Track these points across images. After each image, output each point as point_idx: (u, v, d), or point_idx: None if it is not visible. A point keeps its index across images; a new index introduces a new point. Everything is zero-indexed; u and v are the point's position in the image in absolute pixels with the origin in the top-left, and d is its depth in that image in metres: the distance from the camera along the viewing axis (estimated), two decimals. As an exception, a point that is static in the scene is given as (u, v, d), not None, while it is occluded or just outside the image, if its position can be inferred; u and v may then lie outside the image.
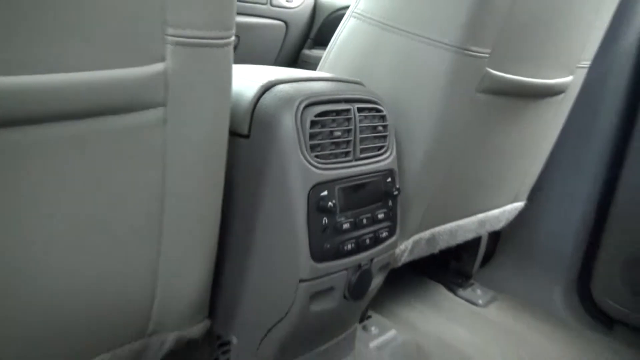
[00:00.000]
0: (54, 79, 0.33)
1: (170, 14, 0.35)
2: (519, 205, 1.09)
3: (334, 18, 1.51)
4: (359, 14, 0.72)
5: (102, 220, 0.41)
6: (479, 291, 1.20)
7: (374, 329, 0.89)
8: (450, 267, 1.26)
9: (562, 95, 0.90)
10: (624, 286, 1.11)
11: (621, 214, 1.10)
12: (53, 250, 0.39)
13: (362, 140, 0.59)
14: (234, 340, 0.63)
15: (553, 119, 0.96)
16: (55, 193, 0.37)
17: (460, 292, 1.19)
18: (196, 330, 0.55)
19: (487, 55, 0.65)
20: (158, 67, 0.36)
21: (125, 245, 0.44)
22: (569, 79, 0.88)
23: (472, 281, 1.23)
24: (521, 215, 1.12)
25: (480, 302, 1.16)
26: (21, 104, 0.32)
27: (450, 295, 1.18)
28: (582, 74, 0.93)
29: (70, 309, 0.43)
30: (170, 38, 0.36)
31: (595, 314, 1.16)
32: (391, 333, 0.89)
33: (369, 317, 0.94)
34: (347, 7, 0.76)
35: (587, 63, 0.92)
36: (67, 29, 0.32)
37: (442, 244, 0.92)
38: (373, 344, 0.84)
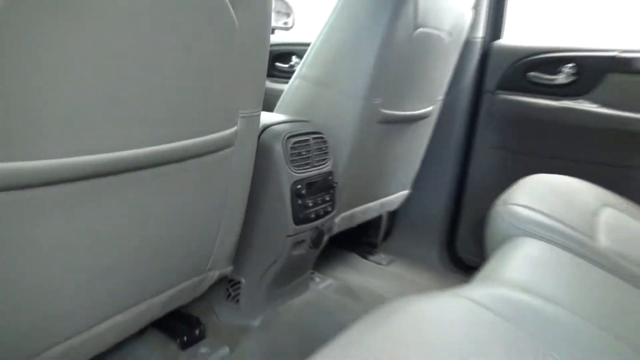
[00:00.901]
0: (187, 143, 0.70)
1: (241, 106, 0.75)
2: (406, 192, 1.59)
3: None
4: (302, 76, 1.15)
5: (194, 212, 0.78)
6: (382, 255, 1.68)
7: (317, 279, 1.32)
8: (362, 241, 1.73)
9: (427, 119, 1.41)
10: (475, 244, 1.65)
11: (470, 194, 1.65)
12: (170, 226, 0.75)
13: (315, 155, 1.02)
14: (243, 280, 1.02)
15: (424, 133, 1.47)
16: (167, 203, 0.72)
17: (370, 257, 1.66)
18: (227, 270, 0.94)
19: (381, 102, 1.12)
20: (235, 128, 0.76)
21: (205, 222, 0.82)
22: (431, 108, 1.39)
23: (377, 249, 1.72)
24: (408, 198, 1.62)
25: (383, 262, 1.64)
26: (160, 158, 0.66)
27: (363, 260, 1.64)
28: (439, 104, 1.45)
29: (172, 255, 0.80)
30: (240, 114, 0.76)
31: (458, 264, 1.70)
32: (329, 280, 1.34)
33: (313, 273, 1.37)
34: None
35: (441, 97, 1.44)
36: (205, 118, 0.70)
37: (358, 220, 1.38)
38: (319, 286, 1.28)
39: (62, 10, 0.47)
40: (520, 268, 0.79)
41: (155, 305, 0.80)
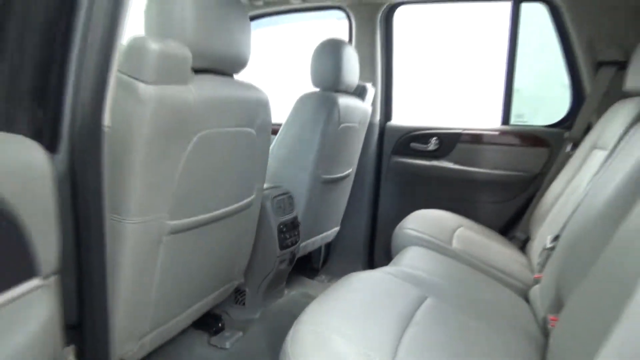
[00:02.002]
0: (237, 205, 1.30)
1: (255, 183, 1.38)
2: (337, 228, 2.26)
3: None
4: (273, 157, 1.80)
5: (233, 244, 1.37)
6: (323, 276, 2.32)
7: (286, 290, 1.93)
8: (307, 267, 2.35)
9: (349, 177, 2.11)
10: (386, 258, 2.35)
11: (380, 225, 2.37)
12: (222, 252, 1.34)
13: (287, 207, 1.66)
14: (247, 289, 1.61)
15: (348, 186, 2.16)
16: (226, 238, 1.31)
17: (315, 278, 2.29)
18: (241, 280, 1.52)
19: (321, 171, 1.79)
20: (253, 196, 1.37)
21: (236, 250, 1.41)
22: (350, 170, 2.09)
23: (319, 273, 2.35)
24: (338, 233, 2.29)
25: (325, 281, 2.27)
26: (227, 213, 1.27)
27: (310, 280, 2.27)
28: (355, 166, 2.16)
29: (219, 270, 1.38)
30: (255, 188, 1.39)
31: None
32: (293, 291, 1.95)
33: (284, 287, 1.97)
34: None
35: (356, 161, 2.16)
36: (244, 193, 1.31)
37: (309, 249, 2.01)
38: (290, 293, 1.89)
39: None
40: (409, 260, 1.47)
41: (210, 300, 1.37)
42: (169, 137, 0.98)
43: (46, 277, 0.56)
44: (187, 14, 1.02)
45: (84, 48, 0.70)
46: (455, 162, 2.21)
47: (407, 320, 1.05)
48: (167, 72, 0.95)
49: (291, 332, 0.92)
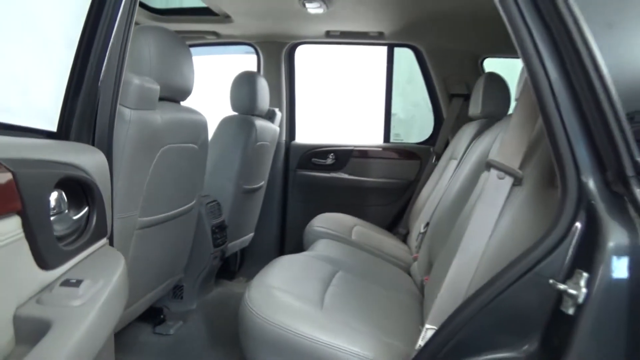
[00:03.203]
0: (184, 207, 1.59)
1: (196, 192, 1.67)
2: (252, 234, 2.58)
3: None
4: (199, 170, 2.09)
5: (181, 241, 1.65)
6: (240, 278, 2.61)
7: (214, 288, 2.20)
8: (226, 271, 2.63)
9: (262, 188, 2.45)
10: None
11: (288, 229, 2.74)
12: (171, 247, 1.60)
13: (217, 212, 1.96)
14: (185, 284, 1.87)
15: (261, 196, 2.50)
16: (174, 236, 1.59)
17: (233, 280, 2.58)
18: (182, 275, 1.78)
19: (243, 182, 2.12)
20: (194, 201, 1.67)
21: (181, 247, 1.68)
22: (263, 182, 2.44)
23: (236, 275, 2.64)
24: (253, 238, 2.60)
25: (243, 280, 2.57)
26: (178, 214, 1.56)
27: (230, 282, 2.54)
28: (267, 179, 2.52)
29: (169, 264, 1.63)
30: (196, 195, 1.68)
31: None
32: (220, 288, 2.22)
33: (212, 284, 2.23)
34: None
35: (267, 175, 2.52)
36: (189, 198, 1.59)
37: (231, 251, 2.31)
38: (217, 289, 2.16)
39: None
40: (321, 248, 1.86)
41: (157, 292, 1.62)
42: (144, 151, 1.26)
43: (108, 238, 0.85)
44: (152, 54, 1.32)
45: (104, 87, 0.98)
46: (350, 174, 2.68)
47: (327, 283, 1.44)
48: (144, 100, 1.24)
49: (246, 293, 1.24)
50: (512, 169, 1.02)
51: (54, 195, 0.62)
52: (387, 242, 2.28)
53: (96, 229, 0.74)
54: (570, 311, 0.82)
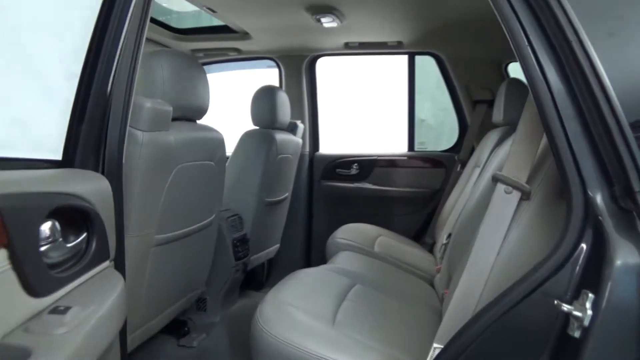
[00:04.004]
0: (202, 223, 1.63)
1: (214, 208, 1.71)
2: (278, 245, 2.61)
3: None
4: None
5: (200, 256, 1.68)
6: (267, 288, 2.63)
7: (239, 300, 2.23)
8: (254, 282, 2.66)
9: (286, 200, 2.47)
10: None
11: (314, 240, 2.74)
12: (192, 262, 1.64)
13: (238, 225, 1.99)
14: (208, 297, 1.91)
15: (285, 208, 2.52)
16: (195, 251, 1.62)
17: (261, 290, 2.60)
18: (204, 289, 1.82)
19: (265, 194, 2.15)
20: (213, 216, 1.70)
21: (201, 261, 1.72)
22: (287, 194, 2.46)
23: (263, 285, 2.66)
24: (279, 250, 2.62)
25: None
26: (197, 229, 1.59)
27: (257, 292, 2.57)
28: (291, 190, 2.54)
29: (190, 278, 1.67)
30: (214, 211, 1.72)
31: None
32: (245, 299, 2.25)
33: (237, 296, 2.27)
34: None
35: (291, 186, 2.54)
36: (207, 214, 1.63)
37: (255, 263, 2.33)
38: (242, 301, 2.19)
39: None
40: (341, 260, 1.85)
41: (181, 304, 1.66)
42: (156, 171, 1.30)
43: (111, 260, 0.88)
44: (166, 77, 1.37)
45: (112, 112, 1.02)
46: (374, 183, 2.66)
47: (342, 298, 1.43)
48: (156, 122, 1.28)
49: (258, 309, 1.26)
50: (519, 183, 0.99)
51: (47, 225, 0.65)
52: (412, 252, 2.24)
53: (96, 254, 0.77)
54: (576, 334, 0.79)
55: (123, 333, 1.09)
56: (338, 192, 2.70)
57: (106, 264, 0.84)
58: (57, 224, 0.66)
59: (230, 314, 2.03)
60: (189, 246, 1.58)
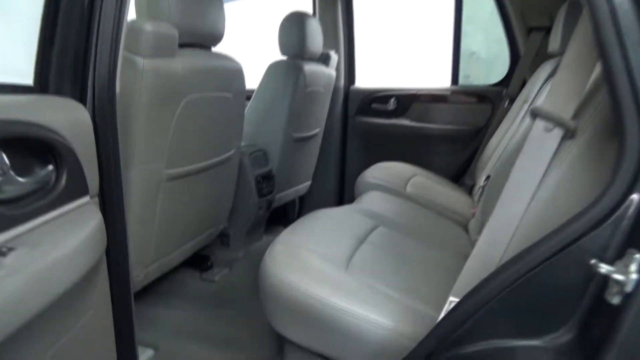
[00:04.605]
0: (220, 158, 1.55)
1: (233, 141, 1.62)
2: (309, 182, 2.53)
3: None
4: (247, 121, 2.04)
5: (219, 191, 1.63)
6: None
7: (264, 236, 2.20)
8: (284, 218, 2.63)
9: (317, 136, 2.36)
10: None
11: (347, 177, 2.64)
12: (211, 198, 1.59)
13: (262, 161, 1.92)
14: (231, 232, 1.88)
15: (317, 144, 2.42)
16: (213, 186, 1.57)
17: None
18: (226, 224, 1.78)
19: (292, 130, 2.04)
20: (232, 151, 1.62)
21: (221, 197, 1.66)
22: (319, 129, 2.34)
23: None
24: (310, 186, 2.55)
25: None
26: (211, 165, 1.52)
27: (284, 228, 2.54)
28: (323, 126, 2.41)
29: (210, 214, 1.63)
30: (234, 144, 1.63)
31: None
32: (271, 236, 2.22)
33: (263, 232, 2.24)
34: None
35: (324, 122, 2.41)
36: (225, 147, 1.55)
37: (283, 201, 2.27)
38: (267, 238, 2.16)
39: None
40: (368, 200, 1.75)
41: (201, 239, 1.63)
42: (162, 101, 1.21)
43: (92, 196, 0.81)
44: (172, -1, 1.24)
45: (100, 35, 0.92)
46: (412, 120, 2.48)
47: (361, 241, 1.34)
48: (159, 48, 1.17)
49: (268, 251, 1.19)
50: (562, 119, 0.83)
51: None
52: (448, 194, 2.10)
53: (66, 190, 0.71)
54: (615, 300, 0.66)
55: (124, 270, 1.06)
56: (373, 129, 2.55)
57: (83, 200, 0.77)
58: (4, 155, 0.59)
59: (254, 250, 2.01)
60: (206, 182, 1.52)
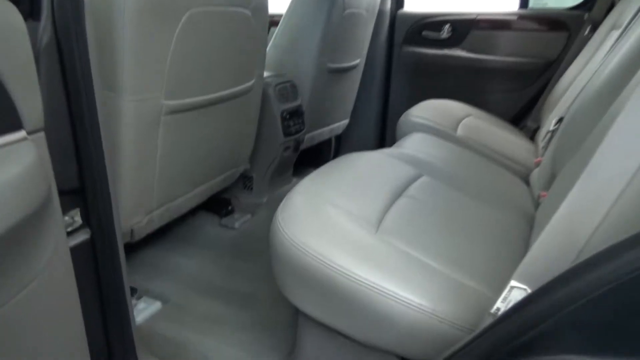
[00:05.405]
0: (236, 89, 1.32)
1: (254, 69, 1.38)
2: (347, 120, 2.27)
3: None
4: (275, 45, 1.76)
5: (236, 128, 1.41)
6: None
7: (294, 179, 2.00)
8: (318, 159, 2.40)
9: (357, 68, 2.07)
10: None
11: (390, 117, 2.36)
12: (226, 135, 1.38)
13: (290, 95, 1.67)
14: (254, 175, 1.68)
15: (356, 78, 2.13)
16: (227, 122, 1.35)
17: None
18: (247, 166, 1.58)
19: (326, 59, 1.76)
20: (252, 81, 1.38)
21: (239, 134, 1.45)
22: (358, 60, 2.04)
23: (330, 165, 2.40)
24: (348, 125, 2.29)
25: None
26: (224, 97, 1.29)
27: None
28: (364, 57, 2.11)
29: (224, 153, 1.43)
30: (255, 74, 1.39)
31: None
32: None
33: (292, 176, 2.04)
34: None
35: (365, 51, 2.10)
36: (242, 77, 1.31)
37: (316, 140, 2.03)
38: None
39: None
40: (410, 144, 1.49)
41: (216, 183, 1.44)
42: (156, 13, 0.98)
43: (31, 132, 0.61)
44: None
45: None
46: (469, 51, 2.13)
47: (399, 193, 1.09)
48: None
49: (282, 202, 0.97)
50: None
51: None
52: (507, 139, 1.80)
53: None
54: None
55: (106, 217, 0.88)
56: (423, 60, 2.22)
57: (16, 135, 0.57)
58: None
59: (280, 196, 1.80)
60: (219, 117, 1.30)
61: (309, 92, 1.77)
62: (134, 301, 1.28)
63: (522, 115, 2.12)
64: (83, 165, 0.81)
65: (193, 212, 1.64)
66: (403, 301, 0.77)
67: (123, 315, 0.97)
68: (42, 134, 0.64)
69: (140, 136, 1.06)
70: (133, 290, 1.30)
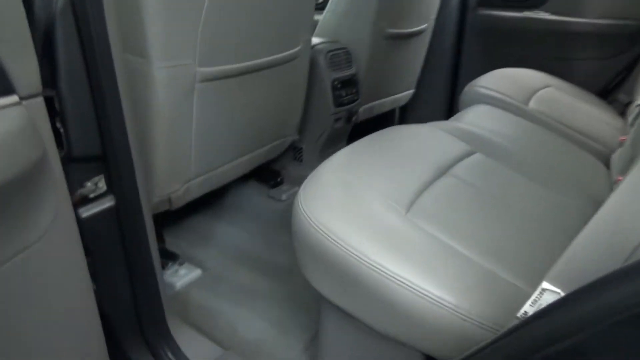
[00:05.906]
0: (280, 55, 1.26)
1: (301, 34, 1.31)
2: (412, 91, 2.13)
3: None
4: (331, 11, 1.67)
5: (283, 97, 1.35)
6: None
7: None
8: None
9: (424, 34, 1.91)
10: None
11: (460, 87, 2.18)
12: (273, 103, 1.33)
13: (344, 63, 1.58)
14: (304, 146, 1.63)
15: (422, 45, 1.97)
16: (273, 90, 1.30)
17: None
18: (296, 137, 1.53)
19: (386, 24, 1.64)
20: (299, 47, 1.31)
21: (286, 103, 1.40)
22: (425, 25, 1.89)
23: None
24: (413, 96, 2.15)
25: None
26: (270, 64, 1.24)
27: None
28: (432, 22, 1.95)
29: (272, 122, 1.38)
30: (301, 39, 1.32)
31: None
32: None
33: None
34: None
35: (434, 16, 1.94)
36: (286, 42, 1.25)
37: (376, 111, 1.93)
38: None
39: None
40: (471, 117, 1.35)
41: (260, 154, 1.41)
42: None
43: (26, 97, 0.60)
44: None
45: None
46: (553, 12, 1.88)
47: (442, 172, 0.98)
48: None
49: (309, 176, 0.91)
50: None
51: None
52: (590, 114, 1.58)
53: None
54: None
55: (129, 184, 0.88)
56: (500, 25, 2.00)
57: (6, 100, 0.56)
58: None
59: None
60: (260, 85, 1.25)
61: (365, 60, 1.66)
62: (176, 267, 1.31)
63: (614, 87, 1.85)
64: (104, 134, 0.81)
65: (245, 180, 1.64)
66: (422, 294, 0.69)
67: (151, 282, 0.98)
68: (39, 99, 0.62)
69: (174, 104, 1.04)
70: (176, 256, 1.33)
